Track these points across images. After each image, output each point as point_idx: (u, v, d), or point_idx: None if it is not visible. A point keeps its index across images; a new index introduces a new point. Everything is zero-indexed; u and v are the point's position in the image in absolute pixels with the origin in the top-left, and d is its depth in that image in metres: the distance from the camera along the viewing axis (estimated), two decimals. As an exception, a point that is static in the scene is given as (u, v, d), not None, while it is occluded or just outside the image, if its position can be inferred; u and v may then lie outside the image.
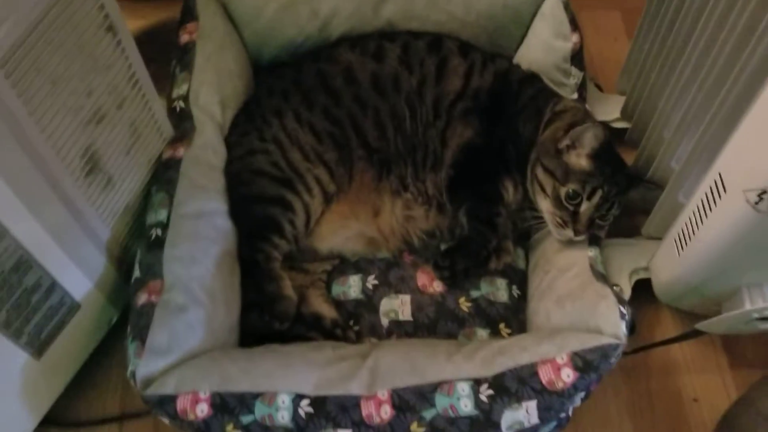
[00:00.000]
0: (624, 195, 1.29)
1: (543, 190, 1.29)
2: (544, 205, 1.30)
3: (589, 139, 1.25)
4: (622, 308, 1.07)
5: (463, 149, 1.35)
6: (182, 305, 1.09)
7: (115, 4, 1.03)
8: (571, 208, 1.25)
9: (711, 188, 1.06)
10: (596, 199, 1.25)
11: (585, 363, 1.01)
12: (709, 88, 1.14)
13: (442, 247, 1.40)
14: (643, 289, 1.38)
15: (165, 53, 1.42)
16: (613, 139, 1.31)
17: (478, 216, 1.32)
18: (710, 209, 1.08)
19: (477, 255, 1.32)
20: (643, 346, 1.34)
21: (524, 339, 1.12)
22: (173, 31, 1.43)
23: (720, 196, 1.04)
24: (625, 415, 1.34)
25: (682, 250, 1.19)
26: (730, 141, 1.01)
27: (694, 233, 1.14)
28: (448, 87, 1.39)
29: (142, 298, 1.08)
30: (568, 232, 1.25)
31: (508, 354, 1.06)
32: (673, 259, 1.23)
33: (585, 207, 1.25)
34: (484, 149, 1.35)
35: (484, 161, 1.35)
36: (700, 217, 1.11)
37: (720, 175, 1.04)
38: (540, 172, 1.30)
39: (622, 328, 1.05)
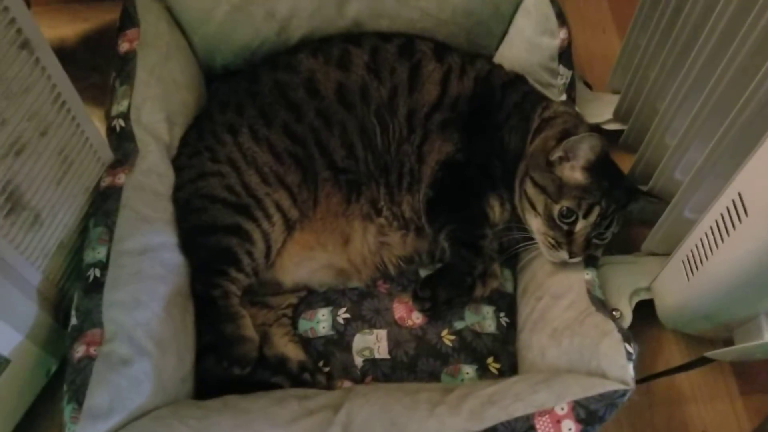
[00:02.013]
0: (623, 211, 1.18)
1: (533, 207, 1.18)
2: (535, 225, 1.19)
3: (585, 150, 1.13)
4: (628, 347, 0.95)
5: (443, 166, 1.23)
6: (125, 358, 0.97)
7: (29, 15, 0.90)
8: (565, 227, 1.14)
9: (728, 209, 0.95)
10: (593, 217, 1.14)
11: (588, 413, 0.89)
12: (726, 89, 1.01)
13: (421, 272, 1.29)
14: (644, 309, 1.27)
15: (110, 60, 1.28)
16: (608, 147, 1.18)
17: (462, 240, 1.20)
18: (727, 233, 0.96)
19: (461, 283, 1.20)
20: (646, 377, 1.21)
21: (517, 384, 0.99)
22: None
23: (740, 220, 0.92)
24: (629, 451, 1.23)
25: (692, 275, 1.07)
26: (752, 156, 0.89)
27: (707, 258, 1.02)
28: (422, 97, 1.27)
29: (79, 351, 0.96)
30: (562, 254, 1.14)
31: (499, 404, 0.94)
32: (680, 283, 1.11)
33: (581, 226, 1.14)
34: (466, 165, 1.23)
35: (467, 178, 1.23)
36: (715, 240, 0.99)
37: (740, 195, 0.92)
38: (530, 188, 1.18)
39: (630, 371, 0.93)
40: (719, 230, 0.97)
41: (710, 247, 1.01)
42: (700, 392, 1.28)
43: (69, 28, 1.62)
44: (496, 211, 1.24)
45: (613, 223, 1.16)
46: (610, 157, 1.20)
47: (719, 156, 1.03)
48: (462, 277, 1.20)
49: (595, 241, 1.15)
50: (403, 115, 1.25)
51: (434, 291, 1.18)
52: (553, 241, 1.15)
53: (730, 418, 1.26)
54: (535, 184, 1.17)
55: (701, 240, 1.03)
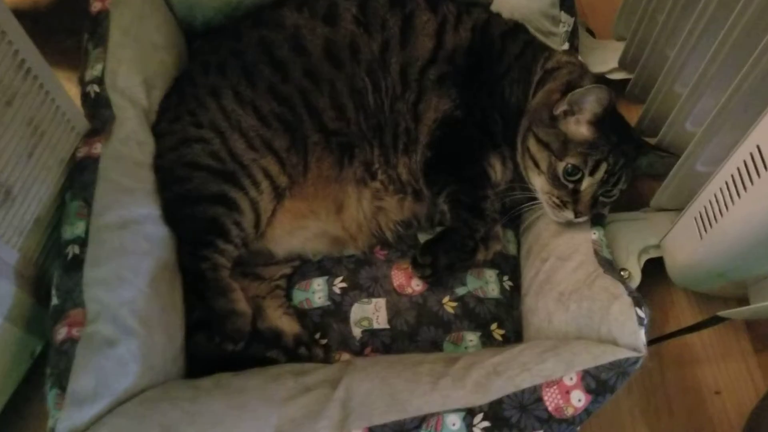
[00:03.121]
0: (632, 166, 1.12)
1: (537, 165, 1.13)
2: (539, 183, 1.14)
3: (591, 103, 1.07)
4: (639, 311, 0.91)
5: (441, 124, 1.17)
6: (110, 338, 0.92)
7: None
8: (570, 185, 1.10)
9: (745, 163, 0.90)
10: (600, 174, 1.09)
11: (599, 383, 0.85)
12: (743, 33, 0.94)
13: (420, 237, 1.23)
14: (653, 266, 1.22)
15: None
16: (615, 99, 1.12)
17: (462, 202, 1.15)
18: (744, 189, 0.91)
19: (463, 247, 1.15)
20: (656, 338, 1.17)
21: (524, 353, 0.95)
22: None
23: (758, 174, 0.87)
24: (639, 416, 1.19)
25: (706, 233, 1.02)
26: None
27: (721, 214, 0.97)
28: (416, 50, 1.19)
29: (61, 333, 0.91)
30: (568, 214, 1.10)
31: (505, 374, 0.90)
32: (693, 241, 1.06)
33: (587, 184, 1.09)
34: (465, 122, 1.17)
35: (466, 137, 1.17)
36: (730, 196, 0.94)
37: (758, 148, 0.86)
38: (533, 145, 1.13)
39: (642, 337, 0.88)
40: (735, 185, 0.93)
41: (725, 204, 0.96)
42: (713, 351, 1.24)
43: (41, -13, 1.54)
44: (497, 170, 1.18)
45: (621, 180, 1.11)
46: (617, 109, 1.14)
47: (735, 106, 0.96)
48: (463, 241, 1.14)
49: (602, 199, 1.11)
50: (396, 71, 1.18)
51: (435, 257, 1.13)
52: (557, 201, 1.10)
53: (744, 377, 1.22)
54: (539, 140, 1.12)
55: (715, 196, 0.98)
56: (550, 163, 1.10)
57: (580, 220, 1.09)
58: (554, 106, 1.10)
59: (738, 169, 0.91)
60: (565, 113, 1.09)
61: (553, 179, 1.10)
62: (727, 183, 0.94)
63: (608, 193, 1.10)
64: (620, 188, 1.12)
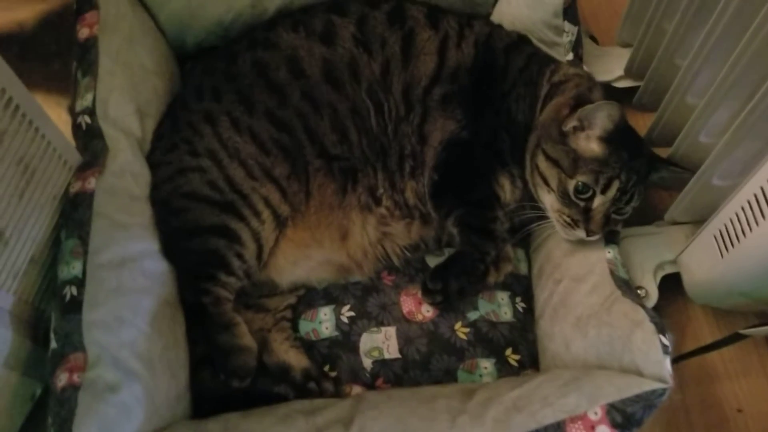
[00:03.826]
0: (644, 183, 1.08)
1: (546, 183, 1.09)
2: (549, 201, 1.10)
3: (602, 119, 1.03)
4: (663, 338, 0.87)
5: (447, 146, 1.13)
6: (112, 383, 0.89)
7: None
8: (581, 204, 1.05)
9: None
10: (612, 192, 1.05)
11: (625, 417, 0.82)
12: (766, 39, 0.89)
13: (428, 259, 1.19)
14: (667, 281, 1.19)
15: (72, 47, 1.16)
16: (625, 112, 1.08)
17: (472, 225, 1.11)
18: None
19: (473, 271, 1.11)
20: (676, 357, 1.12)
21: (544, 386, 0.91)
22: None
23: None
24: (660, 436, 1.15)
25: (727, 252, 0.98)
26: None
27: (744, 234, 0.93)
28: (418, 70, 1.15)
29: (62, 379, 0.88)
30: (579, 233, 1.06)
31: (526, 410, 0.87)
32: (713, 260, 1.02)
33: (599, 202, 1.05)
34: (472, 143, 1.13)
35: (474, 157, 1.13)
36: (753, 217, 0.90)
37: None
38: (542, 162, 1.09)
39: (667, 367, 0.85)
40: (759, 206, 0.88)
41: (748, 224, 0.91)
42: (734, 368, 1.20)
43: (27, 11, 1.49)
44: (506, 190, 1.14)
45: (634, 197, 1.07)
46: (629, 124, 1.10)
47: (756, 118, 0.91)
48: (474, 264, 1.11)
49: (614, 216, 1.07)
50: (398, 92, 1.14)
51: (445, 282, 1.09)
52: (568, 219, 1.06)
53: (766, 393, 1.18)
54: (548, 157, 1.07)
55: (736, 215, 0.94)
56: (560, 180, 1.06)
57: (592, 238, 1.05)
58: (564, 122, 1.06)
59: (762, 189, 0.86)
60: (575, 129, 1.05)
61: (564, 197, 1.06)
62: (749, 202, 0.89)
63: (620, 210, 1.07)
64: (633, 205, 1.08)
